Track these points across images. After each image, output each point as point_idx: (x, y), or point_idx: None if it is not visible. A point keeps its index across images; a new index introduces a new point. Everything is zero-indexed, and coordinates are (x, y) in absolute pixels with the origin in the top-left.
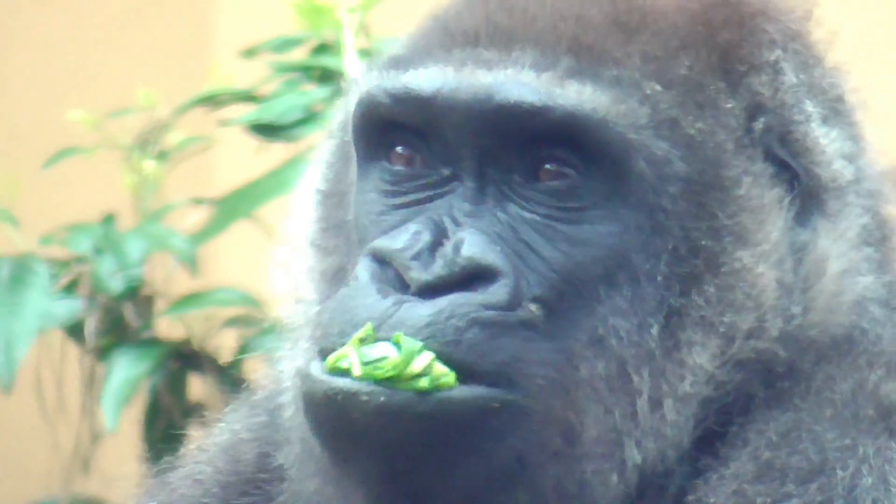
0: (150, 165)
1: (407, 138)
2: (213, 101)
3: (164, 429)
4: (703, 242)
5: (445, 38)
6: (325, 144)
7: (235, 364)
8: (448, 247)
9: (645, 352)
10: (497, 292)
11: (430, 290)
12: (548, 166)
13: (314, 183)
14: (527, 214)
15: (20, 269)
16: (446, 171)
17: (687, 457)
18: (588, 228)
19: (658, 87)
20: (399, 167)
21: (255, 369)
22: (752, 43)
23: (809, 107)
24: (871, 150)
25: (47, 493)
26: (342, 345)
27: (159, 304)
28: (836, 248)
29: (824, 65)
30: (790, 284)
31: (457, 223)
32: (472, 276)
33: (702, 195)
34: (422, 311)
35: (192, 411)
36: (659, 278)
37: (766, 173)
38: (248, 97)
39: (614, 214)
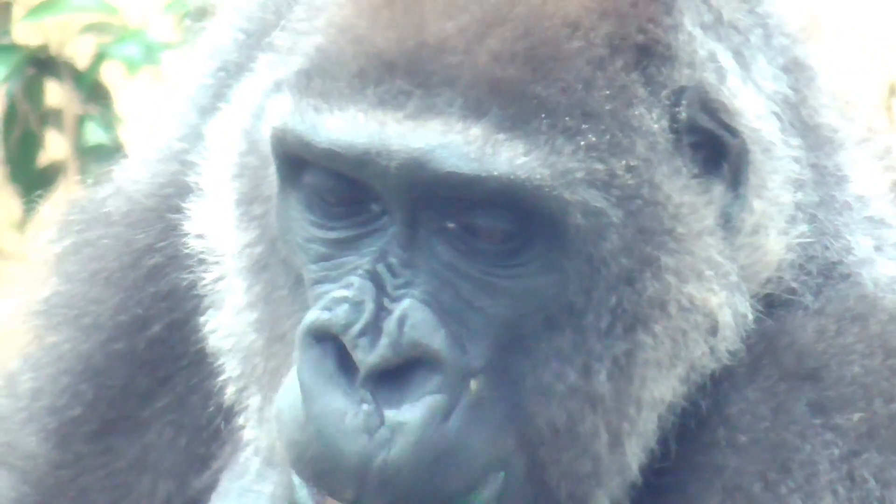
0: None
1: (329, 177)
2: None
3: (22, 134)
4: (646, 287)
5: (359, 60)
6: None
7: (92, 70)
8: (392, 321)
9: (594, 396)
10: (442, 386)
11: (378, 373)
12: (485, 226)
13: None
14: (464, 267)
15: None
16: (375, 208)
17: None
18: (529, 281)
19: (589, 134)
20: (323, 200)
21: (111, 76)
22: (661, 18)
23: (722, 56)
24: (812, 65)
25: None
26: (325, 476)
27: (17, 11)
28: (769, 208)
29: None
30: (733, 282)
31: (394, 274)
32: (416, 360)
33: (641, 241)
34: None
35: (49, 117)
36: (602, 325)
37: (696, 176)
38: None
39: (555, 265)
